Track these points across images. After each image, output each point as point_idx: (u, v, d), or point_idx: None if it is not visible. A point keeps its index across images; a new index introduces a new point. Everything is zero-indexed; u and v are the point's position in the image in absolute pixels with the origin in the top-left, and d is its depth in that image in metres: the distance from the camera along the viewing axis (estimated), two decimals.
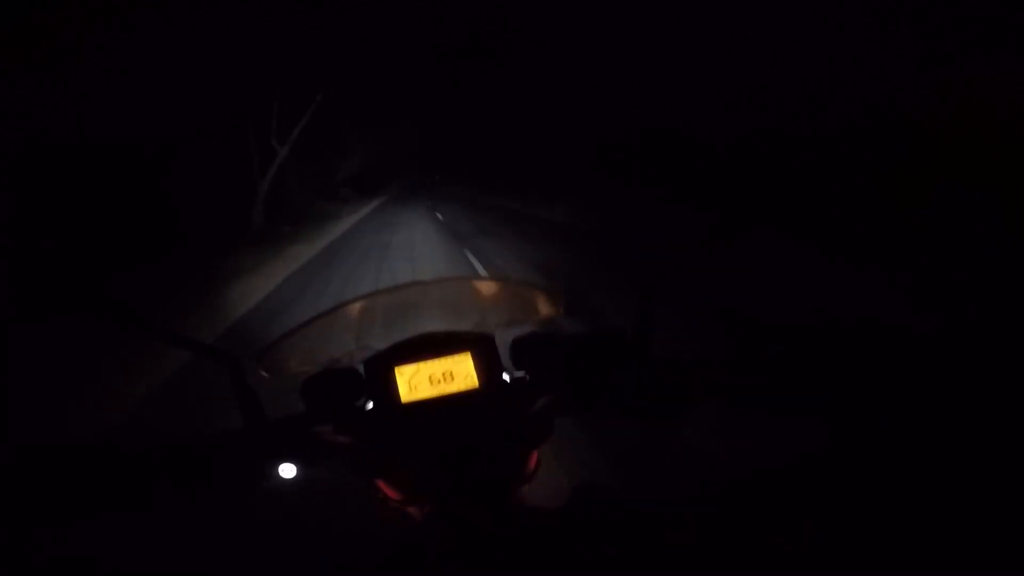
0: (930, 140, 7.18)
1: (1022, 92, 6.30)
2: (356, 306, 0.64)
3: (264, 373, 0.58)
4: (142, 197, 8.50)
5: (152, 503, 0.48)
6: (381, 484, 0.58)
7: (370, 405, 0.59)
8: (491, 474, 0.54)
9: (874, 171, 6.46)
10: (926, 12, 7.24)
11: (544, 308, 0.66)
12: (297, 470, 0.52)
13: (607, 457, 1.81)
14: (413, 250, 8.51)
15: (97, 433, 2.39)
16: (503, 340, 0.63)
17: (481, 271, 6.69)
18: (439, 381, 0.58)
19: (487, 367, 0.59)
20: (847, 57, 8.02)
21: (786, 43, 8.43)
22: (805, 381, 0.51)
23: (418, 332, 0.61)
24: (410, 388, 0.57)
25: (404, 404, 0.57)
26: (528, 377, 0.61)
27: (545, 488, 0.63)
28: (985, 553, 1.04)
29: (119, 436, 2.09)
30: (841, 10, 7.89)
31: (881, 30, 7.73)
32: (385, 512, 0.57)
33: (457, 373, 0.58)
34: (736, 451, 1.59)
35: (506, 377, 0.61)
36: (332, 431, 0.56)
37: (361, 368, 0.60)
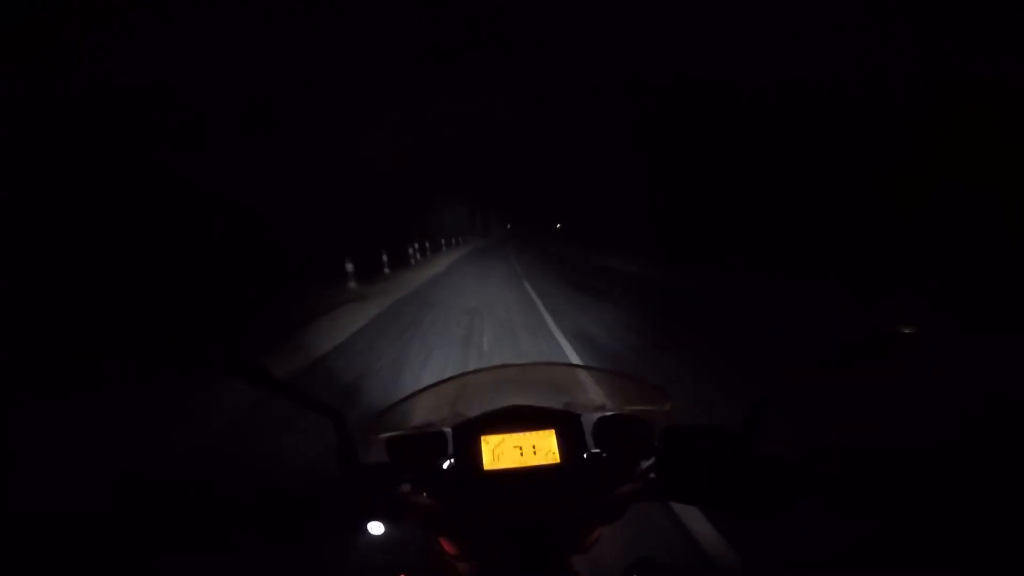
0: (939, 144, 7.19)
1: (1022, 92, 6.31)
2: (456, 381, 0.68)
3: (369, 435, 0.62)
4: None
5: (241, 543, 0.51)
6: (442, 539, 0.59)
7: (454, 468, 0.61)
8: (553, 545, 0.56)
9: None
10: (926, 12, 7.25)
11: (638, 399, 0.67)
12: (384, 529, 0.55)
13: (664, 534, 1.77)
14: (490, 267, 12.51)
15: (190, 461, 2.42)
16: (590, 422, 0.64)
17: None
18: (522, 453, 0.59)
19: (570, 445, 0.60)
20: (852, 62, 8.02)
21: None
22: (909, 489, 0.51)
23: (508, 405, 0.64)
24: (493, 457, 0.59)
25: (486, 471, 0.58)
26: (610, 458, 0.62)
27: (601, 560, 0.65)
28: None
29: (208, 470, 2.09)
30: (841, 10, 7.89)
31: (881, 30, 7.73)
32: (438, 563, 0.60)
33: (540, 447, 0.60)
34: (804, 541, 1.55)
35: (590, 454, 0.62)
36: (413, 490, 0.58)
37: (450, 433, 0.62)
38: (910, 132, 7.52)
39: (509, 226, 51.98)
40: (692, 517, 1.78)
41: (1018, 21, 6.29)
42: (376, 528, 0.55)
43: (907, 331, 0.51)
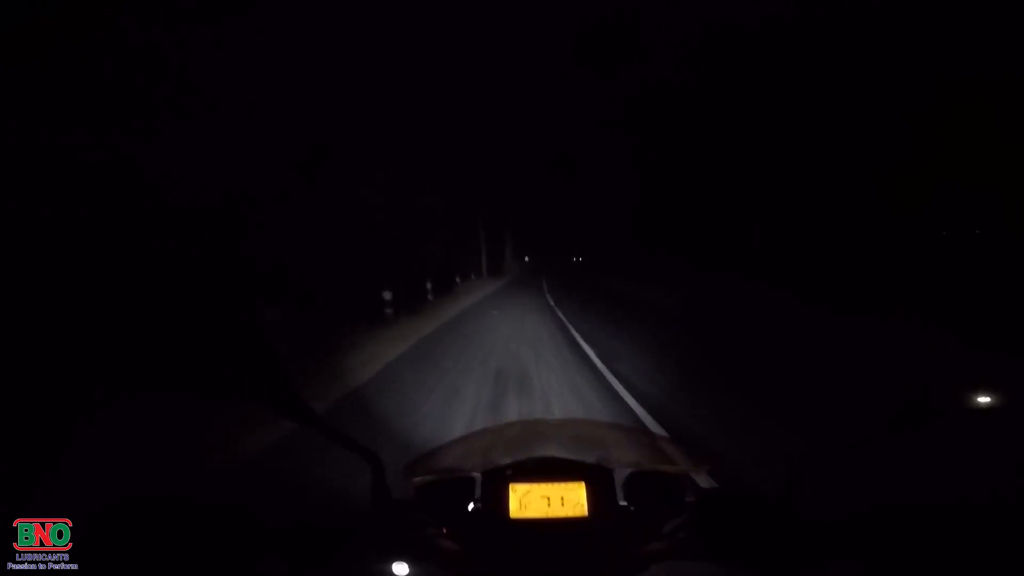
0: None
1: (1022, 92, 6.33)
2: (492, 431, 0.70)
3: (405, 477, 0.63)
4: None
5: (269, 570, 0.51)
6: None
7: (480, 514, 0.61)
8: None
9: None
10: (926, 12, 7.26)
11: (671, 458, 0.67)
12: (408, 571, 0.55)
13: None
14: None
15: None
16: (622, 477, 0.63)
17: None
18: (550, 504, 0.59)
19: (600, 498, 0.60)
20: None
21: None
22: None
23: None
24: (521, 505, 0.59)
25: (512, 519, 0.58)
26: (639, 513, 0.61)
27: None
28: None
29: (235, 499, 2.08)
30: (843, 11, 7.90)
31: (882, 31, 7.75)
32: None
33: (568, 499, 0.59)
34: None
35: (618, 509, 0.62)
36: (438, 533, 0.58)
37: (479, 478, 0.62)
38: (910, 132, 7.54)
39: (527, 259, 47.68)
40: None
41: (1018, 21, 6.30)
42: (401, 569, 0.55)
43: (983, 401, 0.48)
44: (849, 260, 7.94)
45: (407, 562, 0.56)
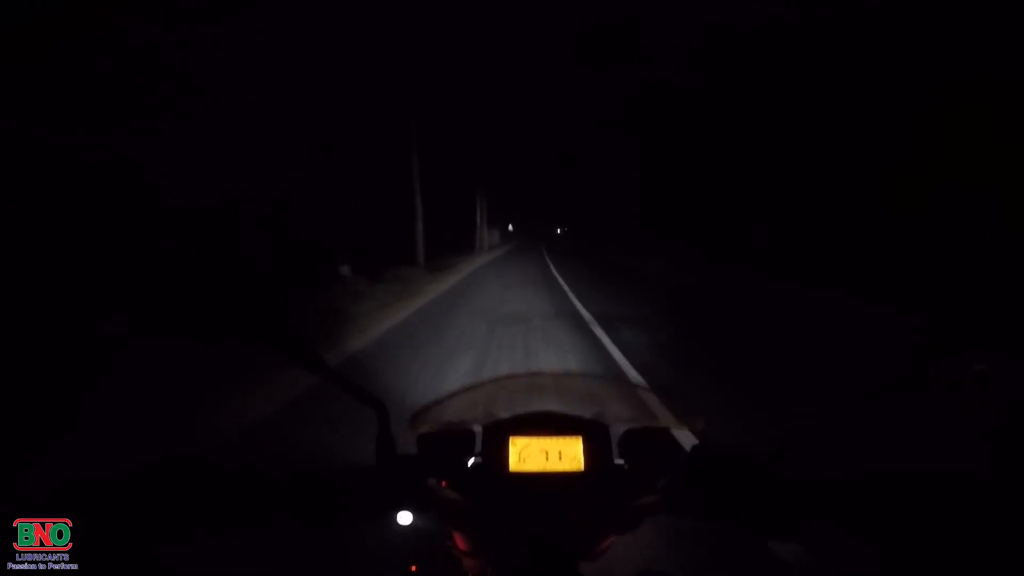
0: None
1: (1022, 92, 6.34)
2: (494, 384, 0.70)
3: (410, 428, 0.64)
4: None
5: (275, 523, 0.53)
6: (456, 533, 0.61)
7: (480, 467, 0.63)
8: (565, 550, 0.57)
9: None
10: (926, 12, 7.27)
11: (669, 416, 0.68)
12: (413, 518, 0.58)
13: (674, 549, 1.76)
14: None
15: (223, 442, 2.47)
16: (618, 433, 0.65)
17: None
18: (548, 458, 0.61)
19: (596, 454, 0.61)
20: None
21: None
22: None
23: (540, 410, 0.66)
24: (520, 459, 0.61)
25: (511, 472, 0.60)
26: (633, 470, 0.63)
27: (609, 569, 0.65)
28: None
29: (248, 451, 2.13)
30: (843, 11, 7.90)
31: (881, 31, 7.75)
32: (447, 557, 0.61)
33: (566, 454, 0.61)
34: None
35: (613, 465, 0.63)
36: (439, 484, 0.59)
37: (479, 432, 0.64)
38: (910, 132, 7.54)
39: (511, 227, 48.47)
40: (705, 533, 1.79)
41: (1018, 21, 6.31)
42: (405, 518, 0.57)
43: (977, 368, 0.49)
44: (849, 259, 7.96)
45: (411, 511, 0.57)
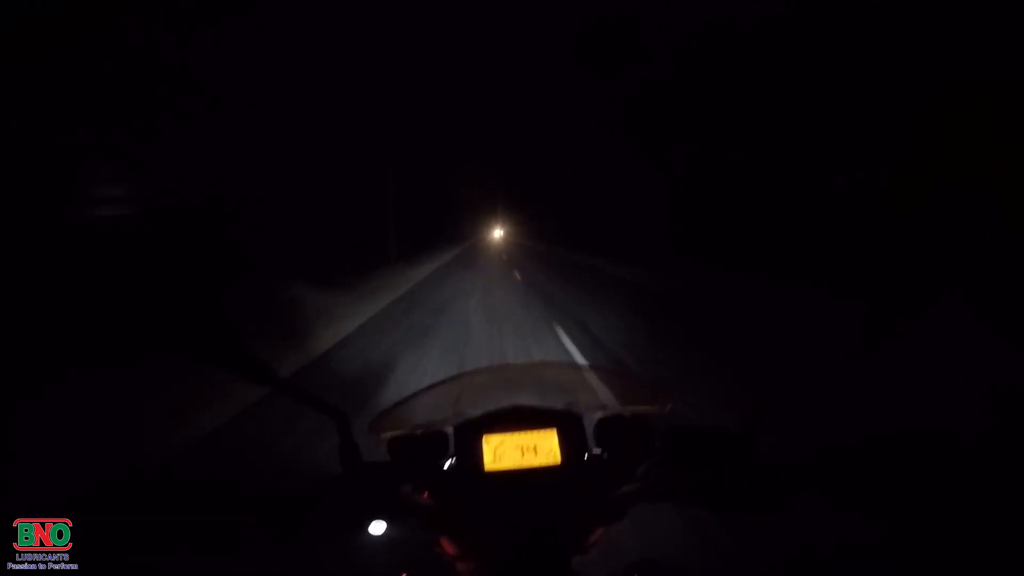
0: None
1: (1022, 92, 6.33)
2: (458, 381, 0.69)
3: (371, 433, 0.62)
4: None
5: (240, 543, 0.50)
6: (443, 538, 0.59)
7: (455, 468, 0.61)
8: (553, 545, 0.56)
9: None
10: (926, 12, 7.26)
11: (640, 397, 0.68)
12: (386, 528, 0.55)
13: (665, 535, 1.76)
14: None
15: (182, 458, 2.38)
16: (592, 421, 0.64)
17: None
18: (523, 453, 0.59)
19: (571, 445, 0.60)
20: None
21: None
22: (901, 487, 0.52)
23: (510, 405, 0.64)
24: (495, 457, 0.59)
25: (487, 471, 0.58)
26: (610, 458, 0.62)
27: (602, 561, 0.64)
28: None
29: (208, 469, 2.06)
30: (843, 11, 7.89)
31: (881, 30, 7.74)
32: (438, 563, 0.59)
33: (541, 448, 0.60)
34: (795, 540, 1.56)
35: (591, 454, 0.62)
36: (414, 489, 0.57)
37: (451, 432, 0.62)
38: (910, 132, 7.53)
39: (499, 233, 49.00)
40: (694, 517, 1.78)
41: (1018, 21, 6.30)
42: (378, 528, 0.55)
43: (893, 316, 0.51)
44: (848, 258, 7.95)
45: (384, 520, 0.55)
